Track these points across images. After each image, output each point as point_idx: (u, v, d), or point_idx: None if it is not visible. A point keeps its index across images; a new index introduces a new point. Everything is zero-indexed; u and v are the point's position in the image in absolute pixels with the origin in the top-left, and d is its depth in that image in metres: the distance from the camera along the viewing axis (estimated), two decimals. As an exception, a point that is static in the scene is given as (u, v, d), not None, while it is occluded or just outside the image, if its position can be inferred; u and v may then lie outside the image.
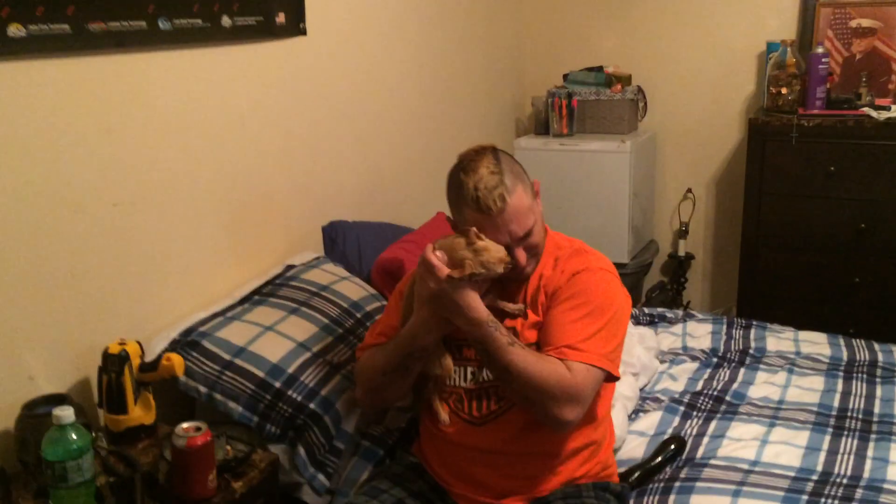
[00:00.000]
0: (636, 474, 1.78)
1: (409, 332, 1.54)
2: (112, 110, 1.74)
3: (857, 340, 2.43)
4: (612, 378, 1.55)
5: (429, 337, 1.53)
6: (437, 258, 1.46)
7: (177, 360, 1.65)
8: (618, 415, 1.91)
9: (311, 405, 1.77)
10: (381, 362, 1.61)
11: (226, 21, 1.98)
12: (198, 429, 1.46)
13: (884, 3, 3.13)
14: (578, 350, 1.48)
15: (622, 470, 1.78)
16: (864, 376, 2.20)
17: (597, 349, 1.50)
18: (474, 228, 1.48)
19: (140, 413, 1.64)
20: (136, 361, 1.64)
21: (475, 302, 1.46)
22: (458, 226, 1.56)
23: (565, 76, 3.58)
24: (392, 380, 1.60)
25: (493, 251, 1.48)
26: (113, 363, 1.61)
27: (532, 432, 1.56)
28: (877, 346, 2.39)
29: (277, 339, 1.85)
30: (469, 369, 1.62)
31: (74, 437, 1.35)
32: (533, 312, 1.60)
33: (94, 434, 1.59)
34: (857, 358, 2.32)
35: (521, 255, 1.53)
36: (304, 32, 2.28)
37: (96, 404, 1.67)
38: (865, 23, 3.17)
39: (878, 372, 2.23)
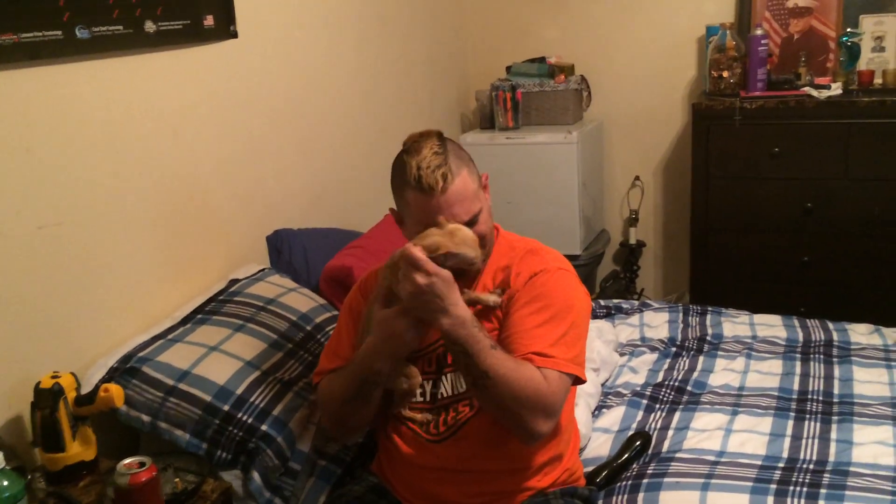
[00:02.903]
0: (603, 474, 1.74)
1: (365, 357, 1.46)
2: (30, 127, 1.62)
3: (812, 321, 2.44)
4: (578, 381, 1.51)
5: (385, 363, 1.46)
6: (420, 252, 1.36)
7: (115, 391, 1.54)
8: (582, 413, 1.87)
9: (263, 427, 1.69)
10: (339, 391, 1.52)
11: (149, 26, 1.87)
12: (141, 464, 1.36)
13: (818, -18, 3.16)
14: (547, 356, 1.43)
15: (589, 469, 1.75)
16: (822, 357, 2.21)
17: (564, 354, 1.45)
18: (442, 216, 1.42)
19: (79, 449, 1.54)
20: (71, 395, 1.53)
21: (459, 299, 1.39)
22: (402, 218, 1.51)
23: (508, 68, 3.55)
24: (354, 408, 1.51)
25: (466, 232, 1.42)
26: (45, 398, 1.50)
27: (493, 447, 1.51)
28: (831, 326, 2.40)
29: (223, 360, 1.76)
30: (426, 385, 1.56)
31: (5, 483, 1.25)
32: (485, 320, 1.53)
33: (29, 476, 1.49)
34: (813, 338, 2.32)
35: None
36: (234, 35, 2.18)
37: (31, 443, 1.56)
38: (802, 2, 3.19)
39: (835, 352, 2.24)
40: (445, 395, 1.55)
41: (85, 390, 1.60)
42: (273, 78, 2.39)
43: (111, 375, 1.70)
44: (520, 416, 1.39)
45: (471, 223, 1.46)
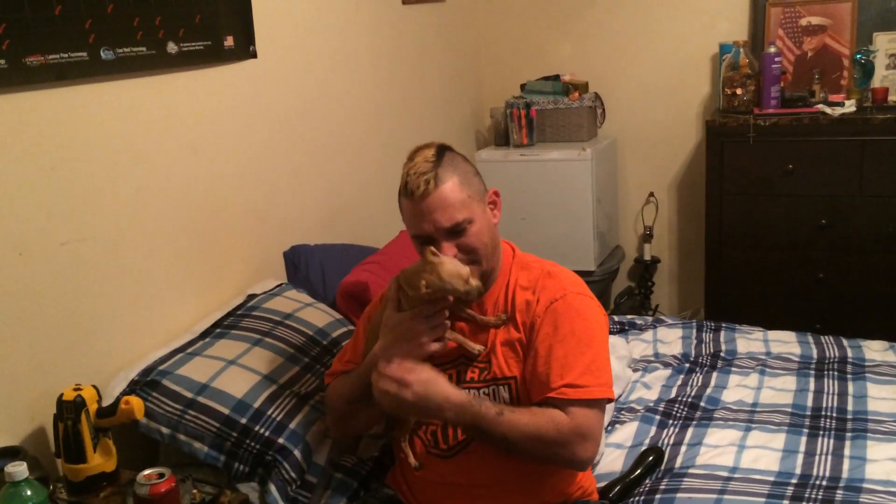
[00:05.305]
0: (616, 489, 1.75)
1: (370, 362, 1.49)
2: (55, 146, 1.67)
3: (826, 337, 2.44)
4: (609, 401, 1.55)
5: None
6: (398, 363, 1.42)
7: (136, 403, 1.57)
8: (594, 428, 1.88)
9: (280, 440, 1.71)
10: (346, 391, 1.58)
11: (171, 47, 1.92)
12: (161, 475, 1.39)
13: (832, 0, 3.18)
14: (579, 387, 1.46)
15: (602, 485, 1.76)
16: (836, 373, 2.21)
17: (596, 381, 1.48)
18: (431, 247, 1.45)
19: (100, 460, 1.57)
20: (92, 407, 1.56)
21: (449, 390, 1.42)
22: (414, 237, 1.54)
23: (523, 86, 3.58)
24: (357, 409, 1.57)
25: (450, 265, 1.44)
26: (68, 410, 1.53)
27: (503, 462, 1.52)
28: (845, 342, 2.39)
29: (241, 373, 1.79)
30: None
31: (29, 493, 1.28)
32: (510, 349, 1.55)
33: (52, 486, 1.52)
34: (827, 355, 2.32)
35: (447, 248, 1.46)
36: (254, 55, 2.23)
37: (53, 454, 1.60)
38: (815, 20, 3.21)
39: (849, 368, 2.23)
40: None
41: (106, 403, 1.63)
42: (291, 97, 2.44)
43: (132, 388, 1.73)
44: (555, 454, 1.45)
45: (455, 232, 1.47)
